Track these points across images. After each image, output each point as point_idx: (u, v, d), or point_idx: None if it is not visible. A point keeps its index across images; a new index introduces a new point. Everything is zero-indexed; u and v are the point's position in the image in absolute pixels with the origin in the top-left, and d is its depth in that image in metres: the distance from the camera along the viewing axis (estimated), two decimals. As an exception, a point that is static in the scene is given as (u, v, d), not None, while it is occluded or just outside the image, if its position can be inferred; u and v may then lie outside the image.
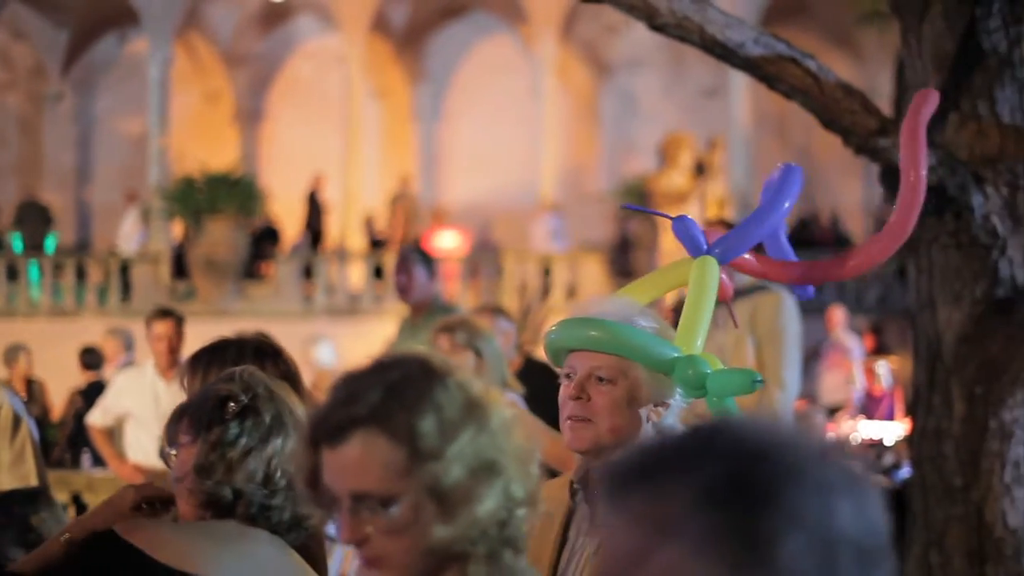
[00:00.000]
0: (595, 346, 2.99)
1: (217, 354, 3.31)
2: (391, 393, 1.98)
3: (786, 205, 3.22)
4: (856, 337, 16.49)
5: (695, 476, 1.33)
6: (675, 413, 3.05)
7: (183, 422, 2.89)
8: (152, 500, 3.06)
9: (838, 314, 16.11)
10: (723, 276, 3.28)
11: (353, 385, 2.01)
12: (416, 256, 8.25)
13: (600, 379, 2.99)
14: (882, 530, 1.36)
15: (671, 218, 3.37)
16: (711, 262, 3.27)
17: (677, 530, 1.31)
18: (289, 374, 3.32)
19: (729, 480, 1.32)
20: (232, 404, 2.84)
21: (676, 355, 3.01)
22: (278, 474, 2.81)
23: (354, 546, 1.99)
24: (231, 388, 2.87)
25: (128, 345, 12.82)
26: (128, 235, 24.29)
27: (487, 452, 1.98)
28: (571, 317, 3.12)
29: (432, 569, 2.00)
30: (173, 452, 2.91)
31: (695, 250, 3.32)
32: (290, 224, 25.12)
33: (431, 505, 1.95)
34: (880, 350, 17.09)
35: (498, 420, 2.02)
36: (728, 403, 3.06)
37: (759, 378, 3.04)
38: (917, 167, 3.50)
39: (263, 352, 3.38)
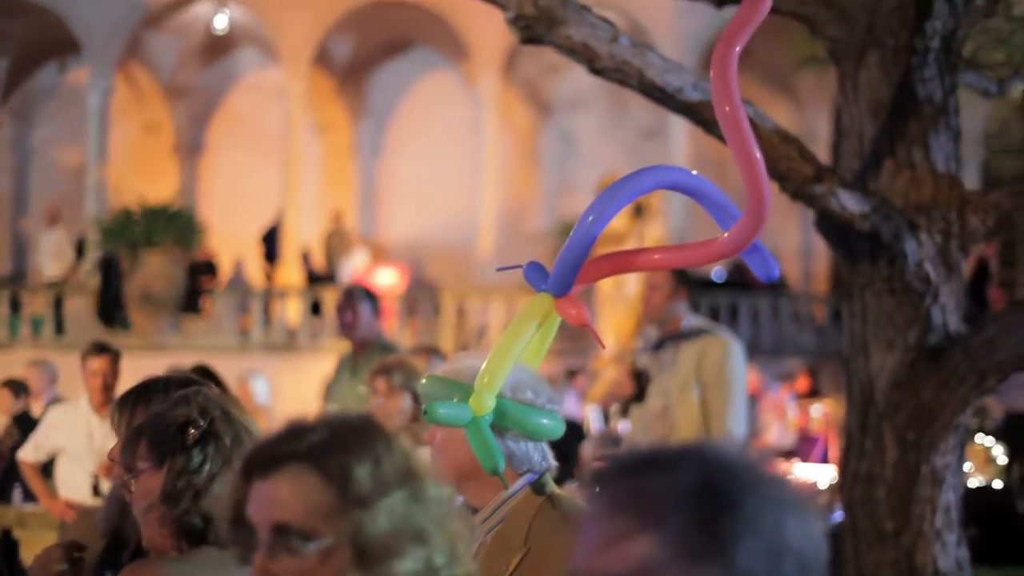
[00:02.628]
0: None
1: (144, 393, 3.30)
2: (334, 436, 1.99)
3: (590, 219, 3.26)
4: (775, 383, 16.60)
5: (675, 478, 1.53)
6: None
7: (140, 447, 2.89)
8: (73, 550, 3.06)
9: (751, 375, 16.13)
10: (580, 306, 3.32)
11: (299, 425, 2.03)
12: (361, 294, 8.26)
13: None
14: (822, 549, 1.57)
15: (522, 267, 3.41)
16: (542, 298, 3.32)
17: (655, 521, 1.52)
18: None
19: (702, 485, 1.52)
20: (192, 430, 2.84)
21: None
22: None
23: None
24: (188, 413, 2.88)
25: (52, 379, 12.68)
26: (54, 258, 24.01)
27: (416, 519, 1.97)
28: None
29: None
30: (130, 478, 2.91)
31: (537, 288, 3.37)
32: (227, 258, 24.99)
33: (349, 553, 1.93)
34: (814, 393, 17.18)
35: (434, 494, 2.03)
36: (483, 431, 3.15)
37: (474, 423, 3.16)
38: (735, 112, 3.37)
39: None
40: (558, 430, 3.23)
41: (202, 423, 2.87)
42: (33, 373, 12.67)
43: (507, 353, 3.17)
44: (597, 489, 1.59)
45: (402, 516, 1.96)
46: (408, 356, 7.18)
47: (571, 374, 16.52)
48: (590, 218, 3.25)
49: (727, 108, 3.31)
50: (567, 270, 3.28)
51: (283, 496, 1.95)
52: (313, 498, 1.94)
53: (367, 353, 7.94)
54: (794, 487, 1.57)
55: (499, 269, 3.72)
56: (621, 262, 3.59)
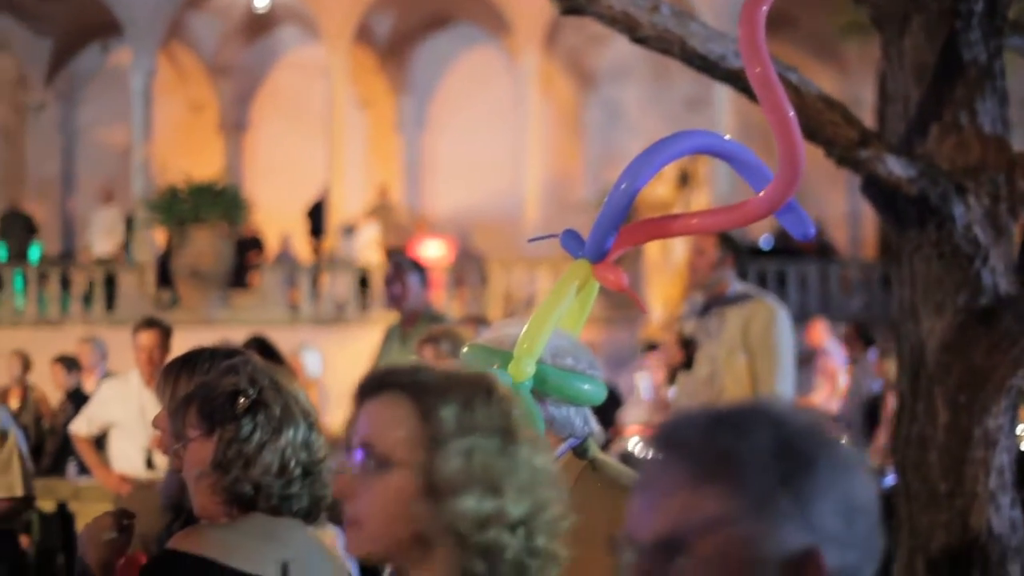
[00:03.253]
0: None
1: (189, 363, 3.34)
2: (439, 378, 2.12)
3: (623, 185, 3.27)
4: (840, 344, 16.49)
5: (754, 438, 1.55)
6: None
7: (190, 415, 2.93)
8: (123, 518, 3.10)
9: (820, 327, 16.11)
10: (618, 271, 3.34)
11: (416, 365, 2.17)
12: (409, 265, 8.30)
13: None
14: (876, 508, 1.59)
15: (558, 236, 3.43)
16: (580, 265, 3.33)
17: (736, 479, 1.53)
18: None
19: (781, 445, 1.54)
20: (242, 399, 2.88)
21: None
22: (292, 463, 2.88)
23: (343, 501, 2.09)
24: (238, 381, 2.91)
25: (103, 355, 12.81)
26: (105, 235, 24.18)
27: (494, 470, 2.05)
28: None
29: (402, 547, 2.07)
30: (180, 446, 2.95)
31: (575, 256, 3.39)
32: (273, 233, 25.10)
33: (419, 483, 2.04)
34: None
35: (525, 455, 2.10)
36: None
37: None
38: (765, 71, 3.38)
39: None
40: (599, 395, 3.24)
41: (252, 392, 2.90)
42: (84, 349, 12.82)
43: (546, 320, 3.19)
44: (668, 448, 1.59)
45: (479, 463, 2.04)
46: (455, 326, 7.21)
47: (650, 347, 15.95)
48: (623, 185, 3.26)
49: (757, 69, 3.33)
50: (603, 235, 3.29)
51: (374, 418, 2.09)
52: (399, 425, 2.07)
53: (416, 324, 7.98)
54: (852, 449, 1.61)
55: (531, 240, 3.75)
56: (658, 227, 3.59)
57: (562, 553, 2.14)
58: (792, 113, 3.29)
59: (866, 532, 1.57)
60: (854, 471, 1.58)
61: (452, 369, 2.17)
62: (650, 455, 1.62)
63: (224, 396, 2.90)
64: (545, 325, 3.19)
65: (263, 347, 7.50)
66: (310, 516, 2.95)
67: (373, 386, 2.13)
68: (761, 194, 3.40)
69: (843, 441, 1.60)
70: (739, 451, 1.54)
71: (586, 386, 3.22)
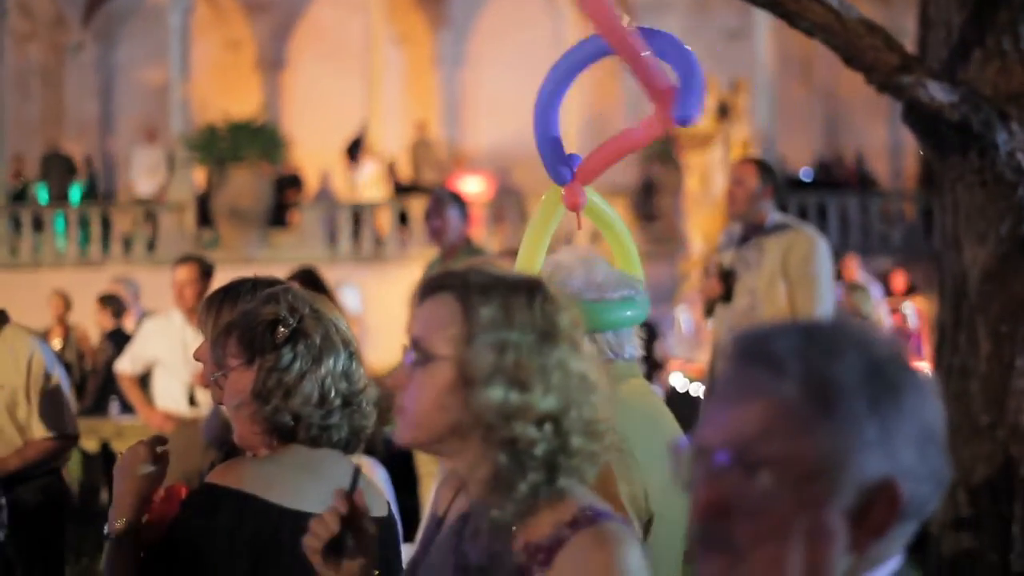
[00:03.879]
0: None
1: (231, 293, 3.33)
2: (485, 279, 2.25)
3: (538, 110, 3.57)
4: (875, 281, 16.37)
5: (846, 363, 1.52)
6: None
7: (230, 345, 2.91)
8: (156, 445, 3.08)
9: (852, 263, 15.95)
10: (574, 192, 3.44)
11: (470, 266, 2.30)
12: (450, 199, 8.26)
13: None
14: (944, 437, 1.58)
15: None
16: (552, 191, 3.53)
17: (827, 407, 1.50)
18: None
19: (871, 372, 1.52)
20: (282, 328, 2.87)
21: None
22: (332, 393, 2.87)
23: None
24: (277, 311, 2.90)
25: (136, 295, 12.87)
26: (148, 174, 24.24)
27: (526, 366, 2.16)
28: None
29: (442, 436, 2.22)
30: (220, 375, 2.94)
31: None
32: (312, 172, 25.09)
33: (455, 375, 2.19)
34: (911, 291, 16.99)
35: (560, 358, 2.19)
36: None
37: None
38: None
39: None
40: (637, 317, 3.25)
41: (292, 321, 2.89)
42: (119, 290, 12.85)
43: (533, 249, 3.22)
44: (755, 361, 1.56)
45: (511, 358, 2.16)
46: (495, 258, 7.17)
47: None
48: (537, 109, 3.41)
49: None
50: (550, 159, 3.40)
51: (424, 316, 2.26)
52: (443, 321, 2.22)
53: (456, 257, 7.95)
54: (928, 376, 1.60)
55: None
56: (599, 153, 3.68)
57: (600, 453, 2.22)
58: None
59: (938, 463, 1.55)
60: (931, 400, 1.56)
61: (503, 271, 2.29)
62: (732, 364, 1.59)
63: (264, 325, 2.88)
64: (534, 255, 3.22)
65: (310, 279, 7.49)
66: (349, 447, 2.95)
67: (429, 288, 2.28)
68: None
69: (918, 368, 1.58)
70: (833, 373, 1.51)
71: (619, 311, 3.22)
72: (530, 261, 3.24)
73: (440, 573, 2.28)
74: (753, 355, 1.57)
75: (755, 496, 1.51)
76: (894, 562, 1.57)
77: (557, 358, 2.18)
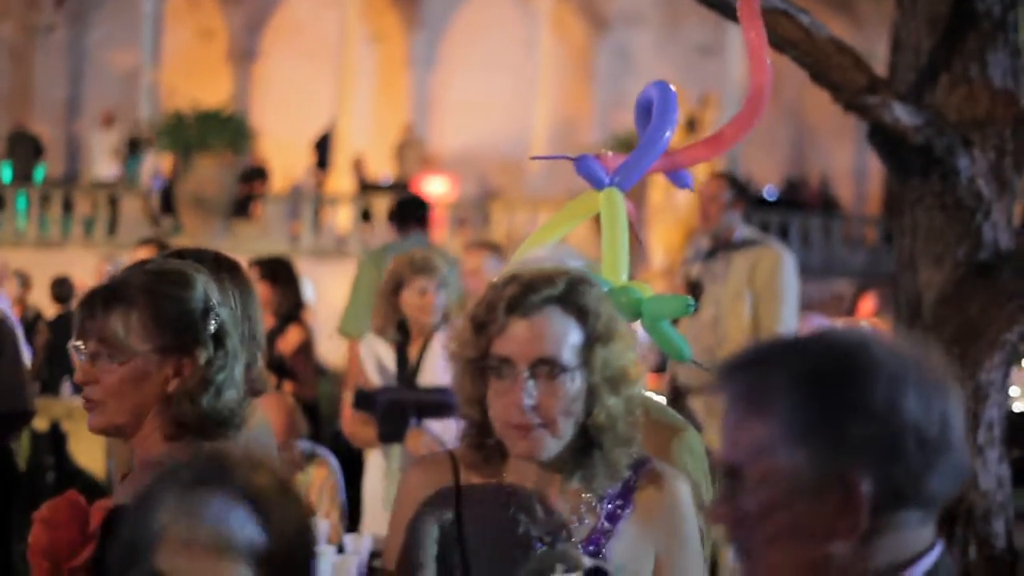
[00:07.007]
0: None
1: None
2: (572, 282, 2.43)
3: (668, 132, 3.39)
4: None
5: (785, 367, 1.59)
6: None
7: (133, 323, 2.67)
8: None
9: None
10: (630, 205, 3.39)
11: (539, 273, 2.46)
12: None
13: None
14: (949, 422, 1.59)
15: (572, 158, 3.45)
16: (615, 193, 3.35)
17: (765, 407, 1.58)
18: (245, 287, 3.15)
19: (811, 371, 1.58)
20: (213, 320, 2.79)
21: (609, 287, 3.12)
22: (244, 387, 2.74)
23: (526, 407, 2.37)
24: (208, 298, 2.78)
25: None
26: (105, 159, 24.15)
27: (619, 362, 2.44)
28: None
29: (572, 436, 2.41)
30: (106, 354, 2.76)
31: (599, 184, 3.40)
32: (278, 165, 25.04)
33: (597, 379, 2.40)
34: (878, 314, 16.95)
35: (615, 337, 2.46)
36: (663, 326, 3.17)
37: (692, 303, 3.14)
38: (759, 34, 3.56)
39: (221, 265, 3.18)
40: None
41: (219, 313, 2.78)
42: (103, 267, 12.81)
43: (619, 251, 3.23)
44: (724, 383, 1.67)
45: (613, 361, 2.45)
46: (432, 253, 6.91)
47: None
48: (668, 130, 3.36)
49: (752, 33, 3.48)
50: (637, 170, 3.36)
51: (545, 334, 2.39)
52: (568, 336, 2.39)
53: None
54: (919, 360, 1.61)
55: (534, 158, 3.78)
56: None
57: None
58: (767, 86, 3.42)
59: (916, 450, 1.56)
60: (905, 388, 1.57)
61: (568, 268, 2.53)
62: (716, 390, 1.69)
63: (198, 312, 2.75)
64: (620, 251, 3.23)
65: (280, 269, 7.61)
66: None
67: (530, 307, 2.42)
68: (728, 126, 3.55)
69: (906, 356, 1.60)
70: (769, 382, 1.59)
71: None
72: (537, 244, 3.25)
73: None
74: (723, 379, 1.68)
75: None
76: (934, 554, 1.63)
77: (629, 357, 2.47)
